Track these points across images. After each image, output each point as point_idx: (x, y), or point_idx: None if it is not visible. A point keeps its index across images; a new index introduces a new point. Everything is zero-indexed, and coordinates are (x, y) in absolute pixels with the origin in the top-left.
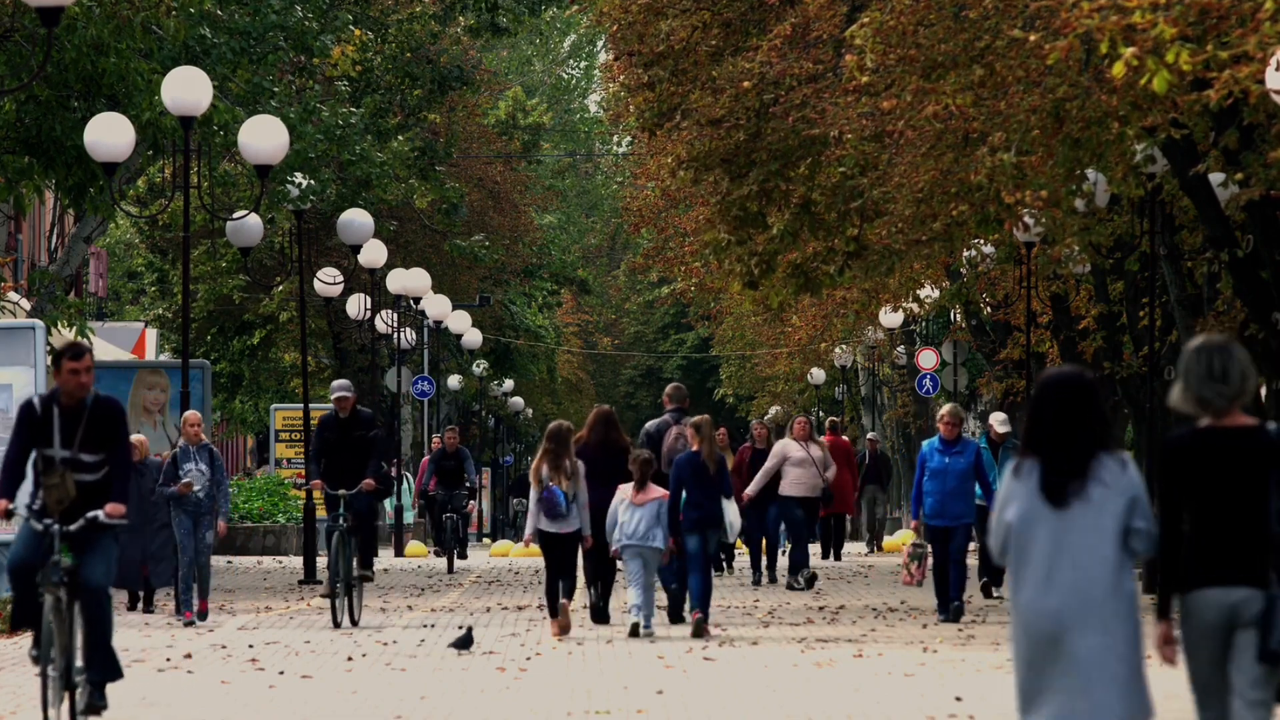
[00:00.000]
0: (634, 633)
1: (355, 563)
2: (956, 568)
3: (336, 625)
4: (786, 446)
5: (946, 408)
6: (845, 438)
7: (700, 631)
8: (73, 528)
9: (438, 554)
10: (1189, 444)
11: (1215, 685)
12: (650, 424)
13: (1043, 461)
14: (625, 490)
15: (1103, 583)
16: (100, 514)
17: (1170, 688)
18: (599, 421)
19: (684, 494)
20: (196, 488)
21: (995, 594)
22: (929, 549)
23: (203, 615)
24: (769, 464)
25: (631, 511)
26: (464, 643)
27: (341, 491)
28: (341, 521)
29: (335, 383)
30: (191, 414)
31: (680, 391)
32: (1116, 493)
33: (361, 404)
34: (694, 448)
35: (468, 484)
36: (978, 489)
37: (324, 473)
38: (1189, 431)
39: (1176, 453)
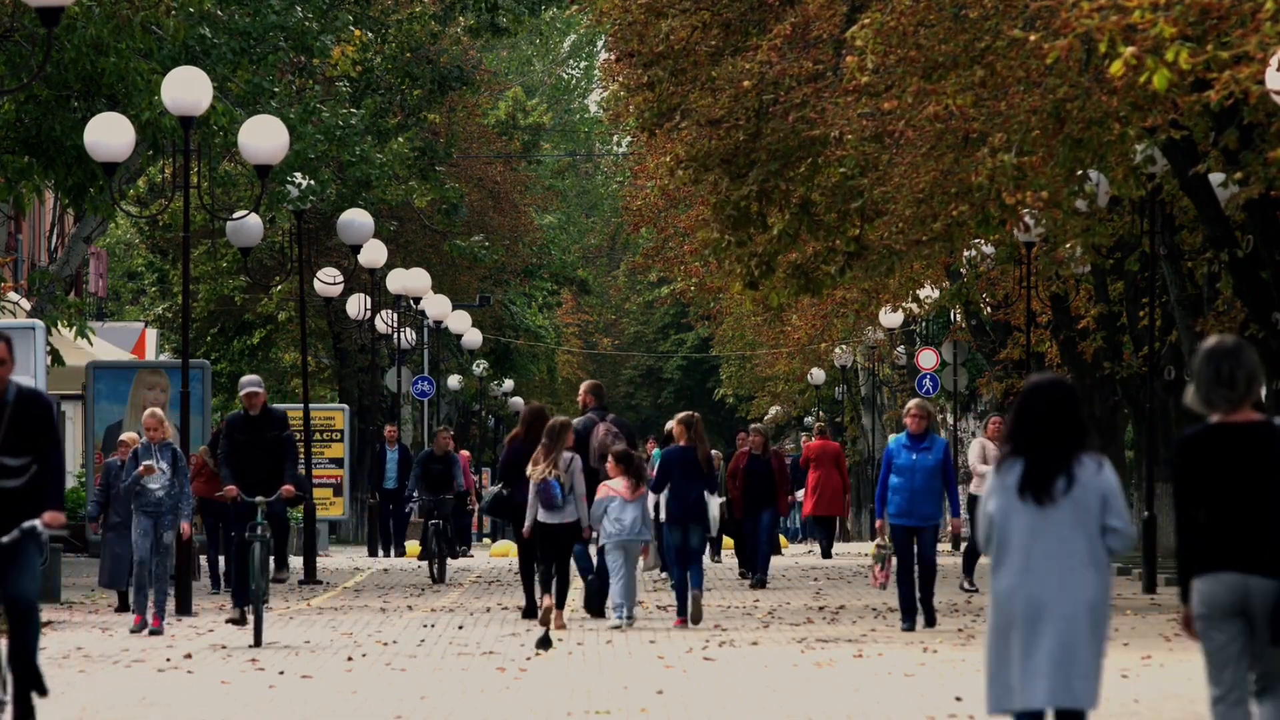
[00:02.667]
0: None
1: (271, 567)
2: (927, 567)
3: (258, 644)
4: (985, 447)
5: (913, 401)
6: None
7: (698, 615)
8: (5, 540)
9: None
10: (1202, 439)
11: (1229, 665)
12: (575, 421)
13: (1026, 459)
14: (613, 486)
15: (1074, 574)
16: (37, 524)
17: (1169, 688)
18: (531, 418)
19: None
20: (154, 486)
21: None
22: (893, 550)
23: (156, 631)
24: (976, 469)
25: (624, 507)
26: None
27: (259, 499)
28: (260, 531)
29: (244, 378)
30: (149, 415)
31: (601, 389)
32: (1091, 491)
33: (364, 404)
34: (681, 443)
35: (456, 489)
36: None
37: (235, 477)
38: (1202, 428)
39: (1190, 448)
